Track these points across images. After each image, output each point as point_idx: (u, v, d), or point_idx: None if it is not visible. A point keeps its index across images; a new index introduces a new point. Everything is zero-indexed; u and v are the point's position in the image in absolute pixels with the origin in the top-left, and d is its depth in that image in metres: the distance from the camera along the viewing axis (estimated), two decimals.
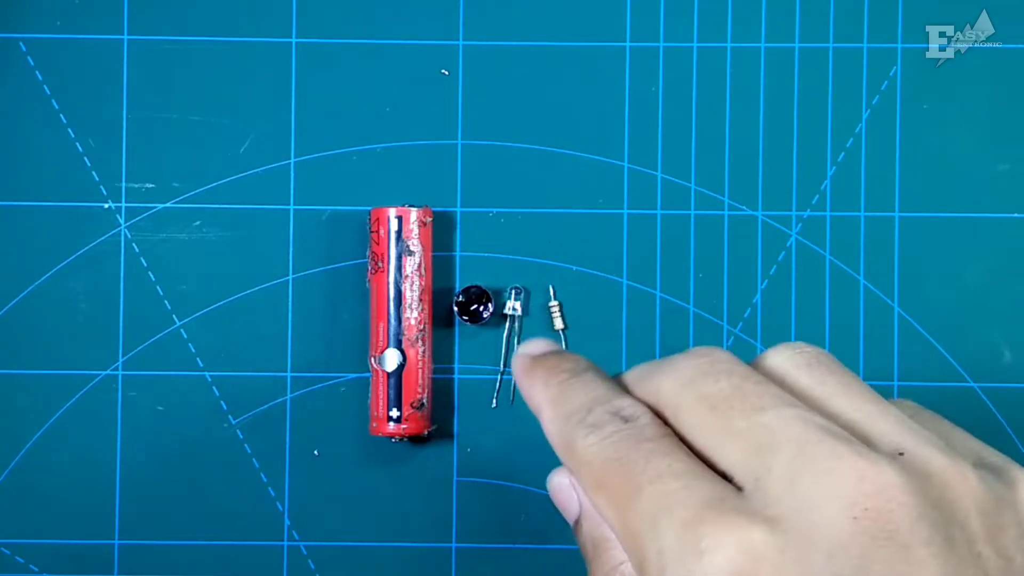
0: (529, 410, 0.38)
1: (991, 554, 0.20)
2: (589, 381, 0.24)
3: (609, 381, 0.25)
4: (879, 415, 0.22)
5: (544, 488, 0.36)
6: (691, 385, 0.22)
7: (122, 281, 0.36)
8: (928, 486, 0.20)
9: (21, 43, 0.36)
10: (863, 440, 0.21)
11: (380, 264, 0.35)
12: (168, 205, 0.36)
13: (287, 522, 0.36)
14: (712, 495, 0.20)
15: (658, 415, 0.23)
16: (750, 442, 0.21)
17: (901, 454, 0.21)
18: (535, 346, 0.27)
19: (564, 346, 0.36)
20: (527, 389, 0.26)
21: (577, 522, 0.24)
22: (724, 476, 0.21)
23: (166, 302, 0.36)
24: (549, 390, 0.25)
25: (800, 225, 0.36)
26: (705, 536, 0.19)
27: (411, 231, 0.35)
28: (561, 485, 0.25)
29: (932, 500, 0.20)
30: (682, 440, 0.22)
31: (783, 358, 0.23)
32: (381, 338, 0.35)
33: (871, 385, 0.38)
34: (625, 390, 0.24)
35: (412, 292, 0.35)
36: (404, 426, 0.34)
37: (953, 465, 0.20)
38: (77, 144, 0.36)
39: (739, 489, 0.21)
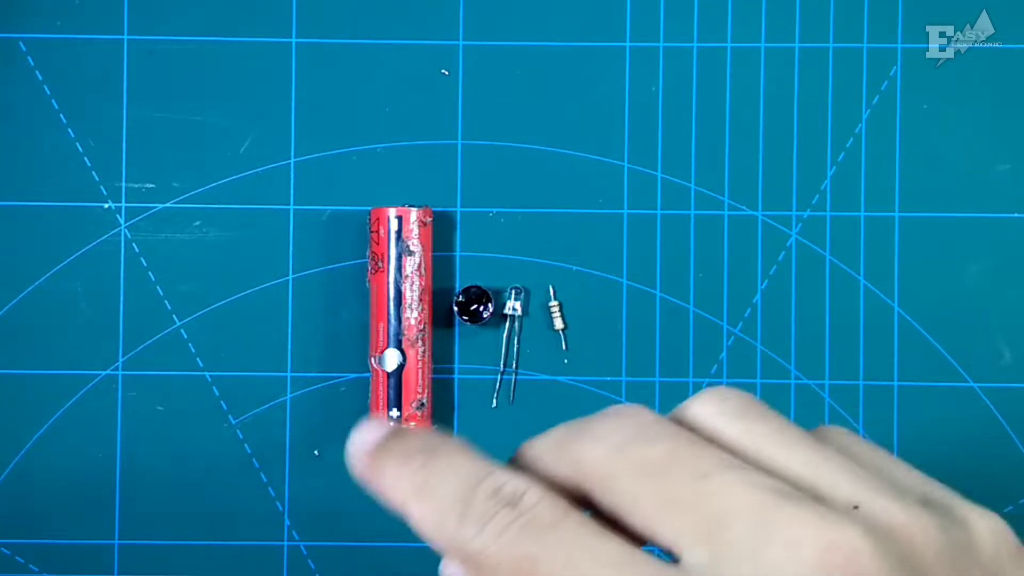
0: (529, 411, 0.38)
1: None
2: (450, 459, 0.21)
3: (471, 452, 0.21)
4: (821, 463, 0.20)
5: None
6: (621, 451, 0.20)
7: (122, 281, 0.36)
8: (893, 545, 0.19)
9: (21, 43, 0.36)
10: (813, 495, 0.20)
11: (380, 264, 0.35)
12: (168, 205, 0.36)
13: (287, 522, 0.36)
14: None
15: (575, 491, 0.20)
16: (698, 513, 0.19)
17: (856, 507, 0.19)
18: (368, 433, 0.22)
19: (564, 346, 0.36)
20: (378, 486, 0.22)
21: None
22: (656, 549, 0.19)
23: (166, 302, 0.36)
24: (406, 482, 0.21)
25: (800, 225, 0.36)
26: None
27: (411, 231, 0.35)
28: None
29: (899, 560, 0.19)
30: (613, 514, 0.20)
31: (709, 408, 0.21)
32: (381, 338, 0.35)
33: (872, 386, 0.38)
34: (530, 465, 0.21)
35: (412, 292, 0.35)
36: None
37: (912, 516, 0.19)
38: (77, 144, 0.36)
39: (678, 563, 0.19)
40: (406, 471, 0.21)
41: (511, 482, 0.20)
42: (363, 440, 0.22)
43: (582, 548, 0.19)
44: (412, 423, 0.35)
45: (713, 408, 0.21)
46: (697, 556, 0.19)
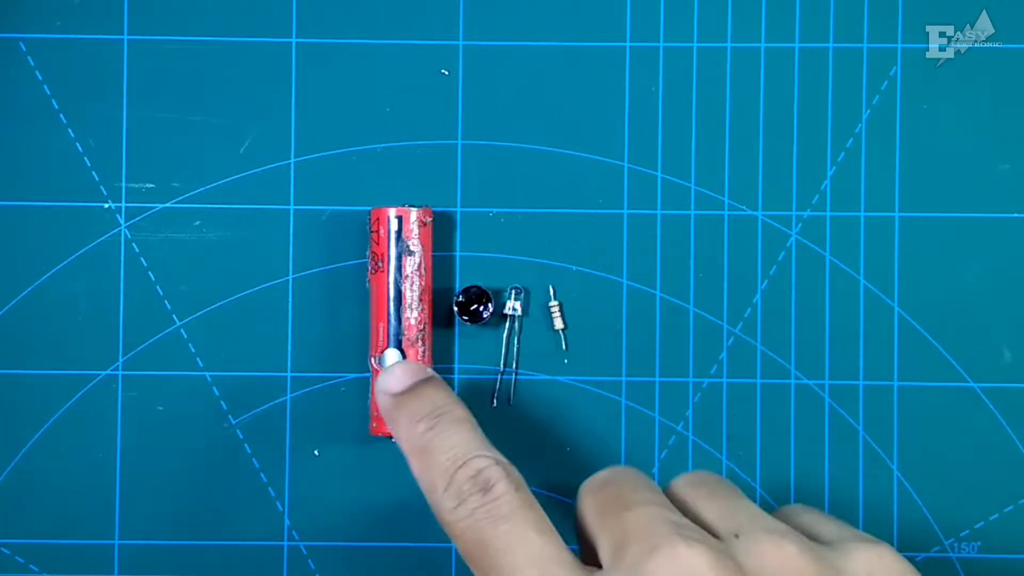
0: (529, 411, 0.38)
1: None
2: (448, 435, 0.27)
3: (466, 427, 0.28)
4: (732, 510, 0.26)
5: (543, 487, 0.36)
6: (590, 494, 0.27)
7: (122, 281, 0.36)
8: (741, 561, 0.24)
9: (21, 43, 0.36)
10: (710, 530, 0.25)
11: (380, 264, 0.35)
12: (168, 205, 0.36)
13: (287, 522, 0.36)
14: None
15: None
16: (615, 535, 0.24)
17: (737, 536, 0.24)
18: (394, 379, 0.30)
19: (564, 346, 0.36)
20: (392, 430, 0.29)
21: None
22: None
23: (166, 302, 0.36)
24: (412, 440, 0.28)
25: (800, 225, 0.36)
26: None
27: (411, 231, 0.35)
28: None
29: (742, 573, 0.23)
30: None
31: (678, 479, 0.28)
32: (381, 338, 0.35)
33: (872, 386, 0.38)
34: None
35: (412, 292, 0.35)
36: None
37: (773, 540, 0.24)
38: (77, 144, 0.36)
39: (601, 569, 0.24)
40: (413, 432, 0.28)
41: (488, 468, 0.26)
42: (388, 385, 0.30)
43: (520, 541, 0.24)
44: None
45: (681, 478, 0.28)
46: (606, 566, 0.24)
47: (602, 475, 0.27)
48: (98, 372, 0.36)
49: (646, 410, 0.36)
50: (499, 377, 0.36)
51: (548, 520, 0.25)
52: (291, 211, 0.36)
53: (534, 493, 0.35)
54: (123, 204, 0.36)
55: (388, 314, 0.35)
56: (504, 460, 0.27)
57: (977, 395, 0.36)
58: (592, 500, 0.26)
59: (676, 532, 0.24)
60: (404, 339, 0.35)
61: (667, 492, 0.28)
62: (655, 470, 0.36)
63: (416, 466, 0.28)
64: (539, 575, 0.24)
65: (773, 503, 0.36)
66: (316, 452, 0.36)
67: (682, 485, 0.27)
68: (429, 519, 0.36)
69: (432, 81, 0.37)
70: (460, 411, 0.29)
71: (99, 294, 0.36)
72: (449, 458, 0.26)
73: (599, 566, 0.25)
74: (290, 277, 0.36)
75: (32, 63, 0.36)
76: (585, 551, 0.26)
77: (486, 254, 0.36)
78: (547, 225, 0.36)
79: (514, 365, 0.36)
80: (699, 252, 0.36)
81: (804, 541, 0.25)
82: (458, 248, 0.36)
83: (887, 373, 0.36)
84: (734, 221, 0.36)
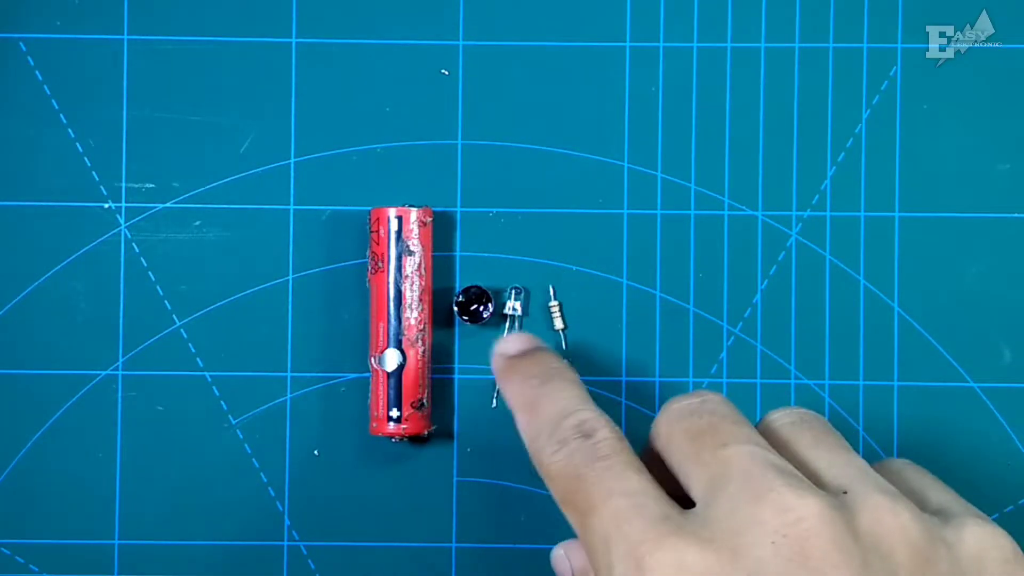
0: None
1: None
2: (557, 390, 0.28)
3: (575, 387, 0.28)
4: (840, 463, 0.24)
5: (544, 488, 0.36)
6: (680, 420, 0.25)
7: (122, 281, 0.36)
8: (852, 519, 0.22)
9: (21, 43, 0.36)
10: (814, 480, 0.24)
11: (380, 264, 0.35)
12: (168, 205, 0.36)
13: (287, 522, 0.36)
14: (658, 515, 0.23)
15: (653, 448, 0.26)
16: (710, 471, 0.23)
17: (844, 492, 0.23)
18: (510, 344, 0.31)
19: (564, 344, 0.36)
20: (503, 389, 0.29)
21: None
22: (686, 497, 0.24)
23: (166, 302, 0.36)
24: (523, 396, 0.28)
25: (800, 225, 0.36)
26: (646, 556, 0.22)
27: (411, 231, 0.35)
28: (557, 555, 0.28)
29: (852, 531, 0.22)
30: (666, 465, 0.25)
31: (778, 414, 0.26)
32: (381, 338, 0.35)
33: (872, 386, 0.38)
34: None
35: (412, 292, 0.35)
36: (404, 426, 0.34)
37: (887, 503, 0.23)
38: (77, 144, 0.36)
39: (692, 508, 0.23)
40: (525, 388, 0.28)
41: (592, 419, 0.26)
42: (503, 348, 0.31)
43: (617, 476, 0.24)
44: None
45: (781, 414, 0.26)
46: (700, 504, 0.23)
47: (690, 401, 0.26)
48: (98, 372, 0.36)
49: (646, 410, 0.36)
50: None
51: (645, 468, 0.25)
52: (291, 211, 0.36)
53: (534, 494, 0.35)
54: (123, 204, 0.36)
55: (388, 314, 0.35)
56: (608, 417, 0.26)
57: (977, 395, 0.36)
58: (681, 428, 0.25)
59: (782, 479, 0.22)
60: (404, 339, 0.35)
61: (763, 428, 0.26)
62: None
63: (523, 420, 0.28)
64: (631, 504, 0.23)
65: None
66: (316, 452, 0.36)
67: (784, 425, 0.26)
68: (429, 519, 0.36)
69: (432, 81, 0.36)
70: (570, 373, 0.29)
71: (99, 294, 0.36)
72: (557, 410, 0.26)
73: (682, 496, 0.24)
74: (290, 277, 0.36)
75: (32, 63, 0.36)
76: (662, 477, 0.25)
77: (486, 254, 0.36)
78: (547, 225, 0.36)
79: None
80: (699, 252, 0.36)
81: (916, 509, 0.23)
82: (458, 248, 0.36)
83: (887, 373, 0.36)
84: (734, 221, 0.36)
